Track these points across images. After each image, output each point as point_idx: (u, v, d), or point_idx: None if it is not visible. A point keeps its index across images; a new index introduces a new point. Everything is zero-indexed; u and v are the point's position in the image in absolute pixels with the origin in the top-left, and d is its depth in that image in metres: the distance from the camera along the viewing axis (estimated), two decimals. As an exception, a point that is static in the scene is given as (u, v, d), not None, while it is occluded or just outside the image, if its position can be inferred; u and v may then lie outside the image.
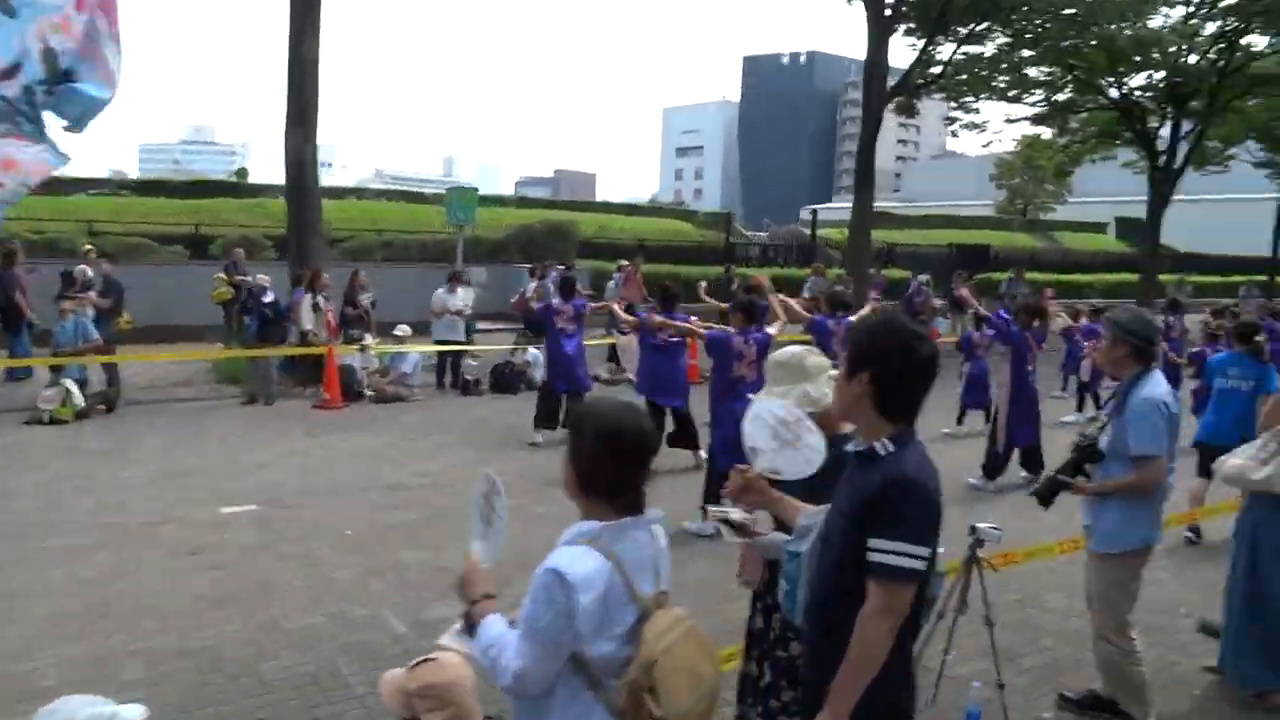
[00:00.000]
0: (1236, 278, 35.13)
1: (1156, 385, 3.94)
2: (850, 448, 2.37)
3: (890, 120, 26.04)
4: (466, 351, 13.64)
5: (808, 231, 31.70)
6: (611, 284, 17.25)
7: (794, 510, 2.77)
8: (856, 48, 19.06)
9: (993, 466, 8.47)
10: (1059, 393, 13.50)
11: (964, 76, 20.98)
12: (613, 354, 14.63)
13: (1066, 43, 19.69)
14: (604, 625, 2.08)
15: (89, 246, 15.95)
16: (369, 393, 11.96)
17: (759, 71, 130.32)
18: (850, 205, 20.77)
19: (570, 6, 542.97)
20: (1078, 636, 4.85)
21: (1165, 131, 24.38)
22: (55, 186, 31.38)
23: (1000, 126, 69.40)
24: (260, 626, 4.99)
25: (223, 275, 15.21)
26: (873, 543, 2.17)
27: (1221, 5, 21.45)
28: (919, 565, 2.16)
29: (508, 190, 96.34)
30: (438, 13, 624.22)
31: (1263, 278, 31.49)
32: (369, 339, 12.55)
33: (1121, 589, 4.03)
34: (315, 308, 11.80)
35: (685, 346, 8.98)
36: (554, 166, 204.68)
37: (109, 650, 4.63)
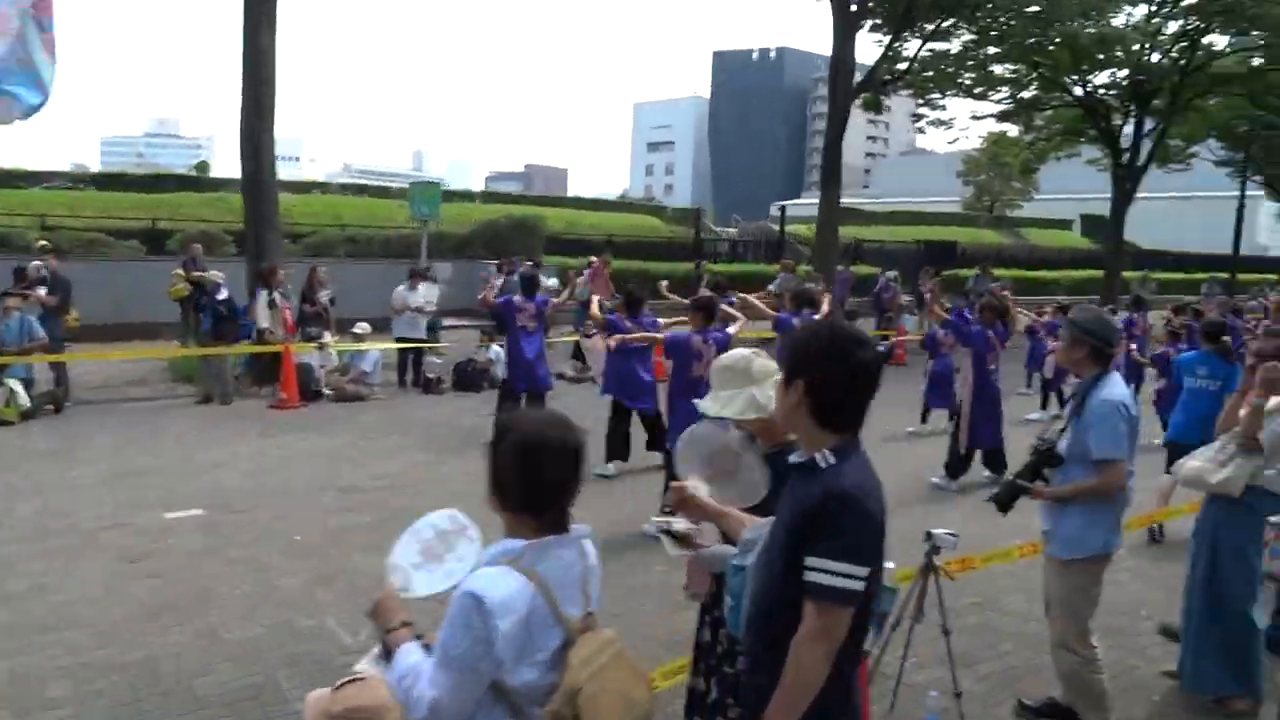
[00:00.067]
0: (1199, 275, 35.62)
1: (1115, 387, 3.87)
2: (792, 459, 2.24)
3: (859, 117, 26.12)
4: (429, 349, 13.44)
5: (777, 228, 31.71)
6: (581, 279, 17.10)
7: (739, 523, 2.65)
8: (826, 44, 19.02)
9: (955, 466, 8.42)
10: (1024, 390, 13.53)
11: (930, 73, 21.06)
12: (578, 352, 14.48)
13: (1031, 40, 19.82)
14: (526, 651, 1.96)
15: (43, 242, 15.54)
16: (328, 392, 11.74)
17: (729, 67, 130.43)
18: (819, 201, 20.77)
19: (541, 0, 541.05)
20: (1037, 640, 4.79)
21: (1129, 129, 24.64)
22: (9, 180, 30.82)
23: (967, 123, 70.24)
24: (199, 638, 4.81)
25: (180, 271, 14.85)
26: (810, 561, 2.05)
27: (1183, 4, 21.70)
28: (856, 586, 2.04)
29: (478, 185, 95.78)
30: (409, 5, 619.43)
31: (1225, 275, 31.89)
32: (328, 337, 12.32)
33: (1082, 595, 3.95)
34: (271, 304, 11.55)
35: (652, 347, 8.85)
36: (525, 161, 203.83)
37: (34, 666, 4.42)
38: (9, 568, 5.67)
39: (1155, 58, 22.87)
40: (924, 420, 10.84)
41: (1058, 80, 23.41)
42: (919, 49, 20.15)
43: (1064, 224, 56.98)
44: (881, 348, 13.81)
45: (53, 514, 6.77)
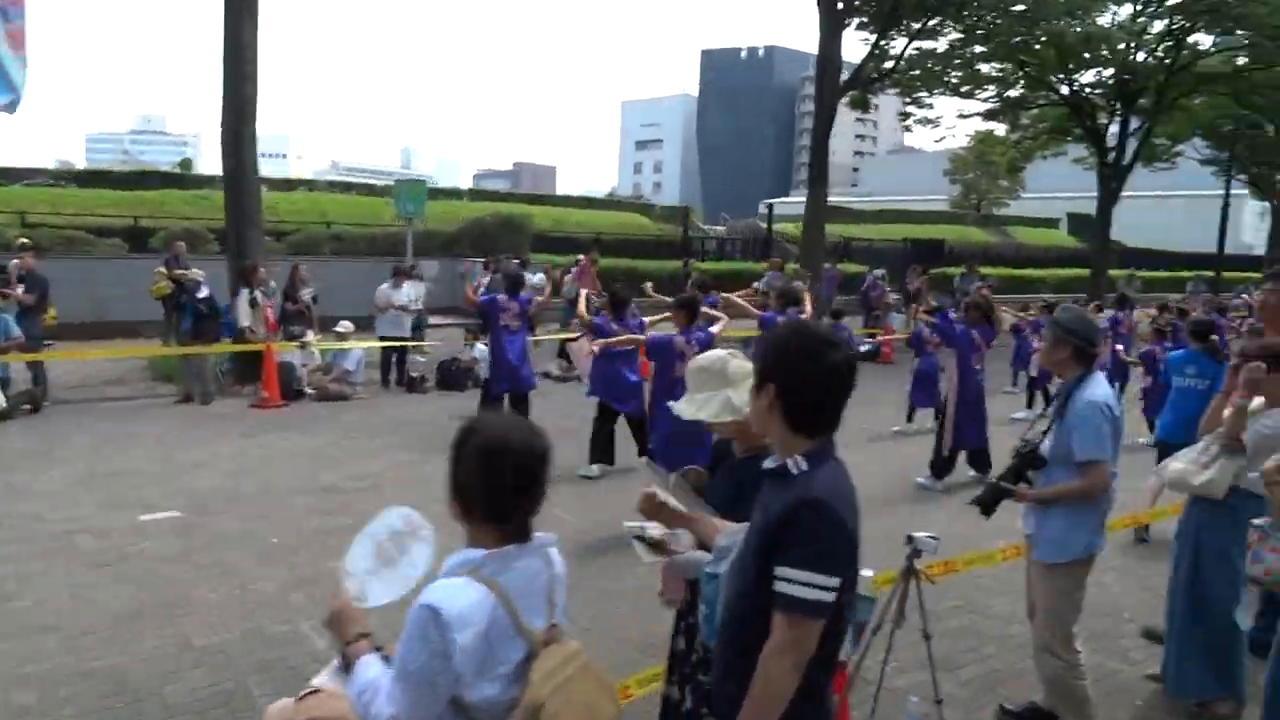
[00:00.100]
0: (1185, 273, 35.79)
1: (1098, 388, 3.82)
2: (765, 464, 2.18)
3: (848, 115, 26.10)
4: (414, 347, 13.34)
5: (765, 226, 31.69)
6: (569, 276, 17.05)
7: (713, 529, 2.59)
8: (815, 43, 18.94)
9: (940, 466, 8.38)
10: (1010, 388, 13.53)
11: (917, 72, 21.04)
12: (564, 350, 14.40)
13: (1016, 39, 19.82)
14: (486, 665, 1.89)
15: (22, 240, 15.36)
16: (310, 391, 11.64)
17: (717, 66, 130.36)
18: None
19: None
20: (1019, 643, 4.75)
21: (1114, 128, 24.71)
22: (-10, 177, 30.46)
23: (954, 122, 70.40)
24: (170, 644, 4.72)
25: (163, 269, 14.71)
26: (780, 570, 1.99)
27: (1168, 3, 21.76)
28: (826, 597, 1.97)
29: (467, 183, 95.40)
30: (398, 2, 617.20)
31: (1210, 273, 32.03)
32: (310, 335, 12.20)
33: (1066, 599, 3.90)
34: (252, 303, 11.43)
35: (637, 348, 8.78)
36: (513, 159, 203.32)
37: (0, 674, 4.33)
38: (-23, 572, 5.57)
39: (1141, 57, 22.93)
40: (910, 419, 10.81)
41: (1044, 79, 23.45)
42: (905, 47, 20.14)
43: (1051, 223, 57.14)
44: (867, 346, 13.83)
45: (25, 516, 6.67)
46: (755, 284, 12.30)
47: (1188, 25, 22.19)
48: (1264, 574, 3.55)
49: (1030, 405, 12.26)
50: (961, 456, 8.58)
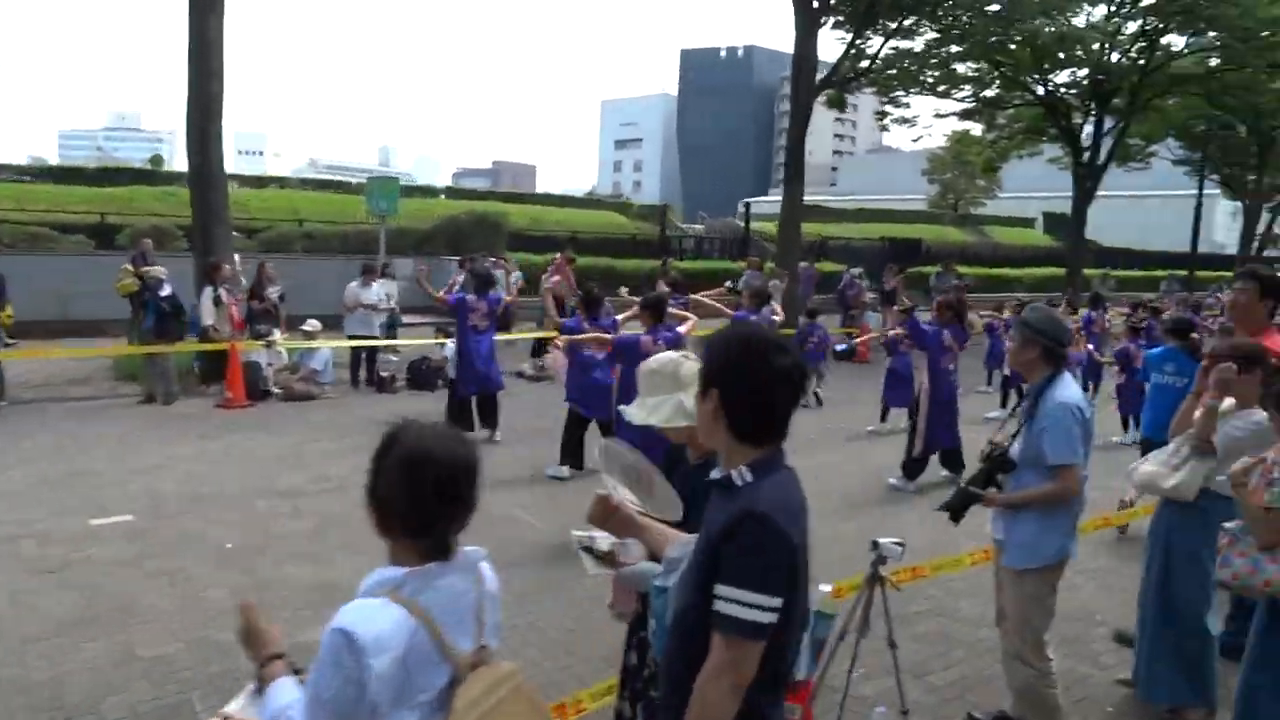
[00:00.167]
0: (1159, 272, 36.06)
1: (1068, 389, 3.74)
2: (712, 474, 2.06)
3: (827, 115, 26.04)
4: (385, 346, 13.14)
5: (743, 225, 31.63)
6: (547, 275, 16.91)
7: (665, 539, 2.46)
8: (793, 42, 18.86)
9: (912, 466, 8.30)
10: (984, 387, 13.50)
11: (893, 71, 21.01)
12: (537, 349, 14.25)
13: (992, 39, 19.83)
14: (405, 693, 1.75)
15: (-13, 237, 15.06)
16: (276, 391, 11.42)
17: (697, 65, 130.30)
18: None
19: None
20: (989, 648, 4.66)
21: (1089, 128, 24.83)
22: (-48, 173, 29.94)
23: (930, 122, 70.82)
24: (114, 655, 4.54)
25: (129, 266, 14.45)
26: (719, 589, 1.87)
27: (1142, 4, 21.85)
28: (766, 618, 1.85)
29: (446, 182, 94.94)
30: (377, 1, 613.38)
31: (1183, 272, 32.27)
32: (277, 334, 11.97)
33: (1038, 604, 3.80)
34: (217, 301, 11.20)
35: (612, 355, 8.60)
36: (493, 158, 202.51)
37: (-69, 688, 4.15)
38: (-84, 580, 5.37)
39: (1115, 57, 23.04)
40: (883, 419, 10.74)
41: (1019, 79, 23.52)
42: (881, 47, 20.11)
43: (1027, 222, 57.53)
44: (842, 347, 13.76)
45: (-28, 521, 6.45)
46: (727, 283, 12.18)
47: (1161, 26, 22.31)
48: (1231, 578, 3.47)
49: (1004, 404, 12.22)
50: (934, 457, 8.51)
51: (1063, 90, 24.35)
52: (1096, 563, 6.40)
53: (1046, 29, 19.69)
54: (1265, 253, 36.59)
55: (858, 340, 15.80)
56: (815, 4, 18.03)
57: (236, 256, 13.46)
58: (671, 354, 2.84)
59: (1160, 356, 7.01)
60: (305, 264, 18.35)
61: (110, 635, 4.75)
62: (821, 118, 20.09)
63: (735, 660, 1.86)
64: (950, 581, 5.56)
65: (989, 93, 24.54)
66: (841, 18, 19.37)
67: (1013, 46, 21.08)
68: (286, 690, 1.87)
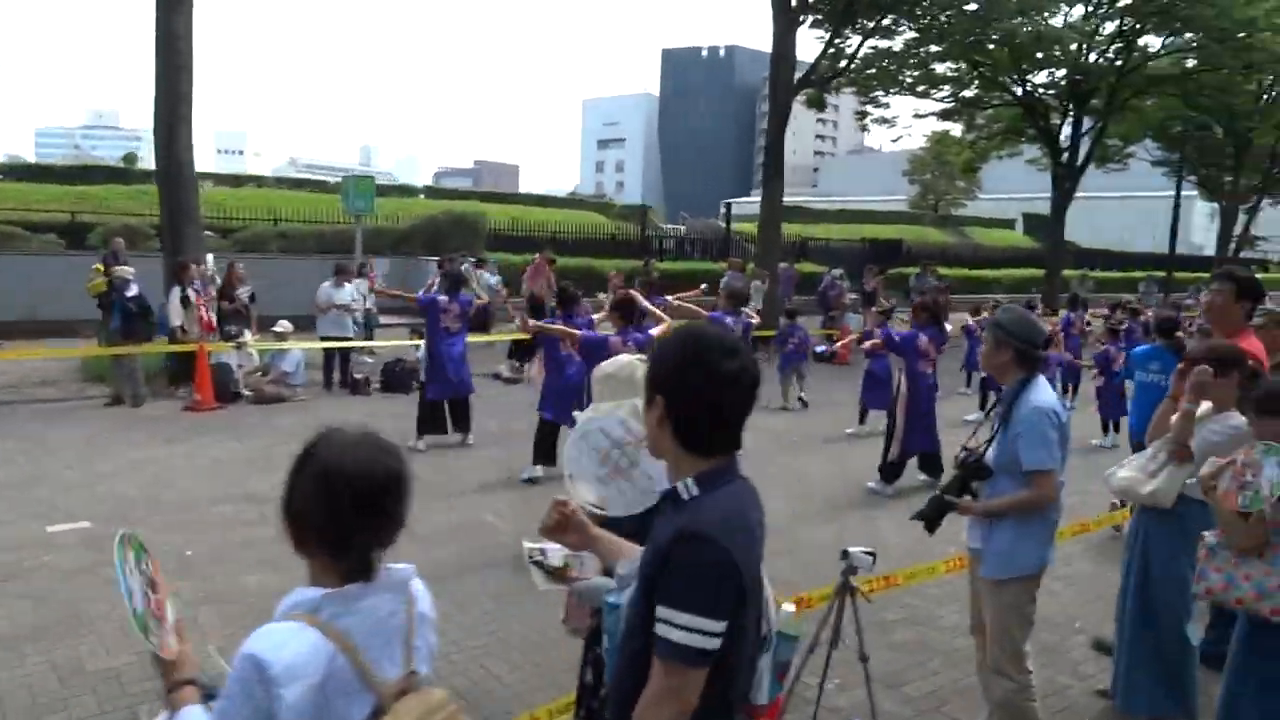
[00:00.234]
0: (1138, 274, 36.25)
1: (1043, 392, 3.63)
2: (661, 487, 1.93)
3: (809, 116, 25.99)
4: (360, 348, 12.96)
5: (724, 225, 31.56)
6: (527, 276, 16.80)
7: (619, 551, 2.34)
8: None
9: (889, 470, 8.21)
10: (963, 389, 13.45)
11: (873, 71, 20.97)
12: (514, 351, 14.09)
13: (970, 38, 19.81)
14: (323, 724, 1.62)
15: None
16: (246, 393, 11.22)
17: (678, 65, 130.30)
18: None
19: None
20: (966, 657, 4.55)
21: (1068, 129, 24.90)
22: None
23: (910, 122, 71.18)
24: (60, 668, 4.38)
25: (100, 266, 14.22)
26: (658, 611, 1.74)
27: (1119, 4, 21.91)
28: (708, 644, 1.72)
29: (427, 181, 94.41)
30: (358, 0, 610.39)
31: (1161, 274, 32.44)
32: (248, 335, 11.76)
33: (1017, 615, 3.68)
34: (185, 302, 10.99)
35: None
36: (475, 158, 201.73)
37: None
38: None
39: (1092, 58, 23.11)
40: (862, 421, 10.66)
41: (997, 79, 23.55)
42: (859, 46, 20.05)
43: (1007, 223, 57.77)
44: (823, 349, 13.68)
45: (-78, 529, 6.26)
46: (703, 285, 12.06)
47: (1138, 26, 22.38)
48: (1206, 592, 3.40)
49: (983, 407, 12.17)
50: (913, 460, 8.43)
51: (1041, 90, 24.41)
52: (1076, 567, 6.32)
53: (1024, 29, 19.69)
54: (1242, 254, 36.80)
55: (839, 344, 15.76)
56: (793, 2, 17.94)
57: (210, 256, 13.26)
58: (628, 357, 2.71)
59: (1145, 355, 6.98)
60: (279, 264, 18.13)
61: (58, 647, 4.59)
62: (803, 119, 20.06)
63: (675, 688, 1.74)
64: (927, 588, 5.47)
65: (968, 93, 24.55)
66: (820, 16, 19.30)
67: (991, 46, 21.09)
68: (194, 719, 1.73)
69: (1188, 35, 22.11)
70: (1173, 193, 29.81)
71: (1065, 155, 24.69)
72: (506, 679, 4.43)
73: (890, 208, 57.81)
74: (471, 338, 15.58)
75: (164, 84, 11.75)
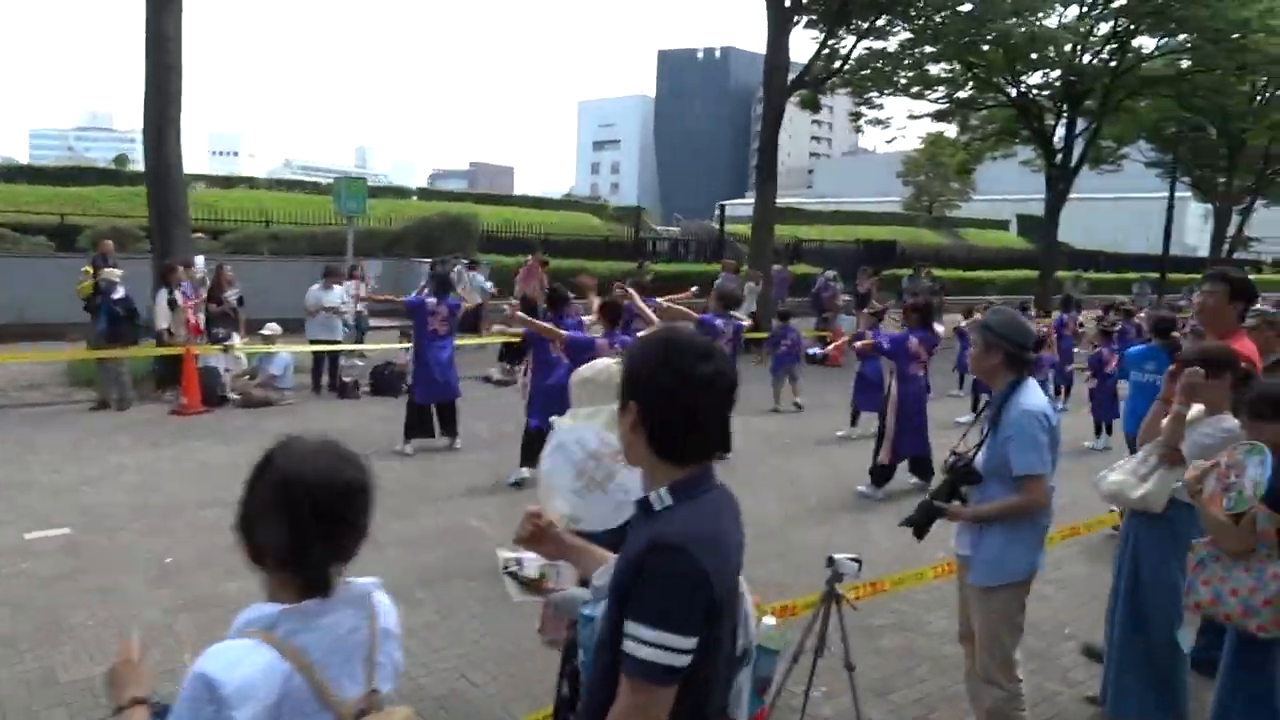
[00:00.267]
0: (1131, 275, 36.26)
1: (1033, 395, 3.56)
2: (635, 497, 1.86)
3: (804, 117, 25.98)
4: (350, 351, 12.88)
5: (718, 227, 31.50)
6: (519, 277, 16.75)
7: (596, 562, 2.27)
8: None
9: (880, 473, 8.14)
10: (955, 391, 13.39)
11: (867, 72, 20.93)
12: (504, 353, 14.01)
13: (965, 39, 19.78)
14: (278, 746, 1.55)
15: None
16: (234, 396, 11.12)
17: (674, 67, 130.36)
18: (763, 201, 20.49)
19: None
20: (955, 663, 4.48)
21: (1061, 130, 24.89)
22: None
23: (904, 123, 71.40)
24: (33, 679, 4.29)
25: (89, 268, 14.13)
26: (626, 626, 1.67)
27: (1113, 5, 21.89)
28: (677, 661, 1.65)
29: (422, 183, 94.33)
30: (354, 2, 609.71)
31: (1155, 275, 32.45)
32: (235, 338, 11.67)
33: (1007, 622, 3.61)
34: (172, 304, 10.90)
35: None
36: (471, 160, 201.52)
37: None
38: None
39: (1087, 59, 23.10)
40: (854, 423, 10.60)
41: (992, 80, 23.54)
42: (853, 46, 20.01)
43: (1001, 224, 57.81)
44: (815, 351, 13.61)
45: (-101, 535, 6.16)
46: (693, 287, 12.00)
47: (1132, 27, 22.37)
48: (1195, 606, 3.35)
49: (975, 409, 12.13)
50: (904, 463, 8.36)
51: (1035, 92, 24.40)
52: (1067, 571, 6.25)
53: (1019, 30, 19.65)
54: (1235, 255, 36.84)
55: (831, 346, 15.71)
56: (787, 3, 17.88)
57: (201, 259, 13.17)
58: (606, 361, 2.65)
59: (1141, 354, 6.95)
60: (269, 266, 18.03)
61: (33, 657, 4.50)
62: (799, 120, 20.03)
63: (642, 706, 1.66)
64: (915, 594, 5.40)
65: (962, 94, 24.53)
66: (814, 17, 19.25)
67: (985, 47, 21.07)
68: (144, 742, 1.66)
69: (1182, 36, 22.11)
70: (1167, 194, 29.80)
71: (1059, 156, 24.68)
72: (487, 688, 4.36)
73: (885, 209, 57.83)
74: (463, 340, 15.57)
75: (153, 85, 11.67)
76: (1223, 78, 22.85)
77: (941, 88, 23.79)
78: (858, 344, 8.80)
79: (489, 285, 16.93)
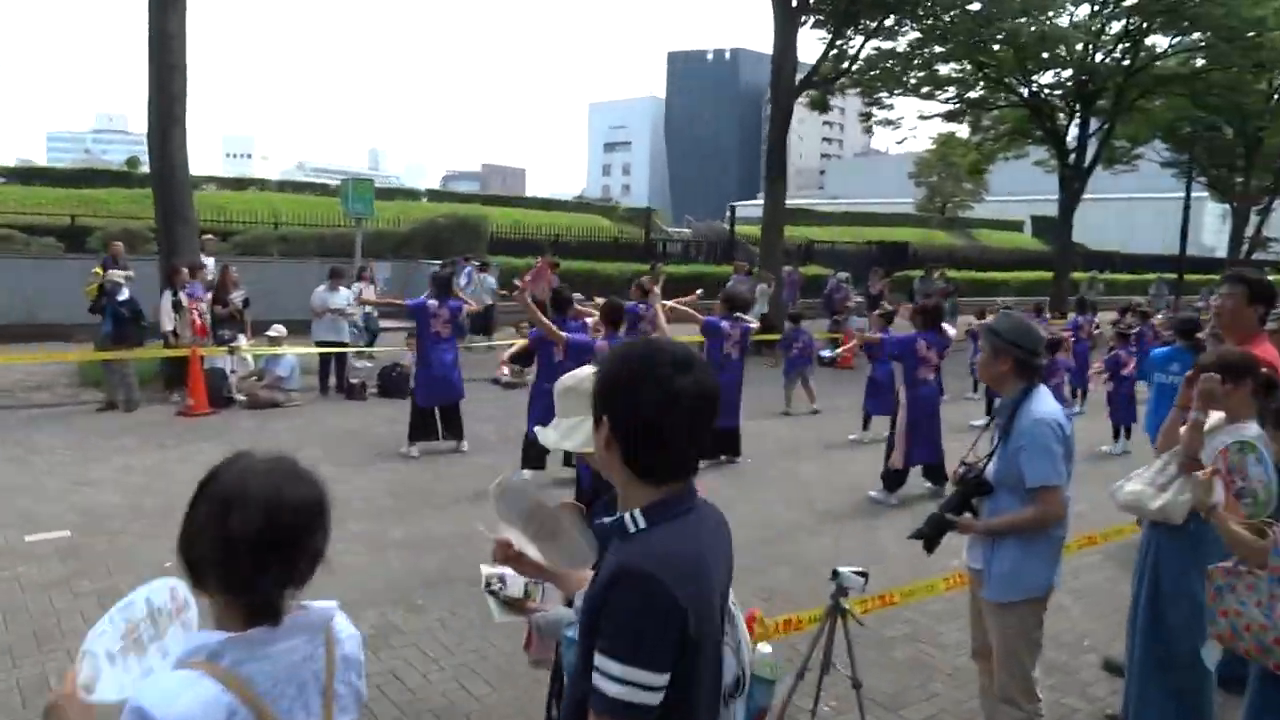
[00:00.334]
0: (1148, 276, 35.89)
1: (1045, 403, 3.42)
2: (606, 519, 1.74)
3: (815, 119, 25.85)
4: (359, 353, 12.81)
5: (728, 228, 31.35)
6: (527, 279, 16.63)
7: (582, 581, 2.15)
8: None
9: (892, 478, 7.99)
10: (970, 394, 13.23)
11: (876, 72, 20.75)
12: (517, 356, 13.87)
13: (974, 39, 19.59)
14: (222, 785, 1.44)
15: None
16: (240, 398, 11.07)
17: (684, 68, 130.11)
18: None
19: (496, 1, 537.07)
20: (970, 677, 4.35)
21: (1074, 130, 24.66)
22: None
23: (915, 123, 70.64)
24: (26, 686, 4.21)
25: (99, 270, 14.12)
26: (595, 658, 1.54)
27: (1125, 4, 21.66)
28: (647, 698, 1.51)
29: (435, 185, 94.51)
30: (366, 5, 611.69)
31: (1172, 276, 32.12)
32: (242, 340, 11.62)
33: (1024, 640, 3.47)
34: (177, 306, 10.85)
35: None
36: (483, 161, 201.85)
37: None
38: None
39: (1099, 58, 22.87)
40: (865, 427, 10.46)
41: (1003, 80, 23.32)
42: (861, 46, 19.83)
43: (1015, 225, 57.40)
44: (826, 353, 13.46)
45: (-103, 540, 6.10)
46: (698, 290, 11.87)
47: (1145, 26, 22.13)
48: (1217, 638, 3.22)
49: (989, 411, 11.96)
50: (917, 468, 8.21)
51: (1047, 91, 24.18)
52: (1084, 581, 6.09)
53: (1029, 29, 19.44)
54: (1254, 256, 36.41)
55: (842, 349, 15.55)
56: (794, 3, 17.73)
57: (211, 260, 13.15)
58: (589, 369, 2.51)
59: (1165, 356, 6.81)
60: (278, 267, 18.02)
61: (23, 664, 4.42)
62: (810, 121, 19.89)
63: None
64: (929, 603, 5.26)
65: (973, 94, 24.33)
66: (821, 17, 19.08)
67: (995, 47, 20.87)
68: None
69: (1196, 34, 21.86)
70: (1182, 194, 29.51)
71: (1072, 157, 24.44)
72: (486, 700, 4.25)
73: (898, 210, 57.49)
74: (474, 342, 15.48)
75: (157, 85, 11.63)
76: (1238, 76, 22.59)
77: (952, 88, 23.61)
78: (864, 336, 8.65)
79: (491, 284, 16.87)
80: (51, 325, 14.74)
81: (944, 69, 22.43)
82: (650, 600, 1.51)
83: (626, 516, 1.64)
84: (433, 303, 8.67)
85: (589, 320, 8.16)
